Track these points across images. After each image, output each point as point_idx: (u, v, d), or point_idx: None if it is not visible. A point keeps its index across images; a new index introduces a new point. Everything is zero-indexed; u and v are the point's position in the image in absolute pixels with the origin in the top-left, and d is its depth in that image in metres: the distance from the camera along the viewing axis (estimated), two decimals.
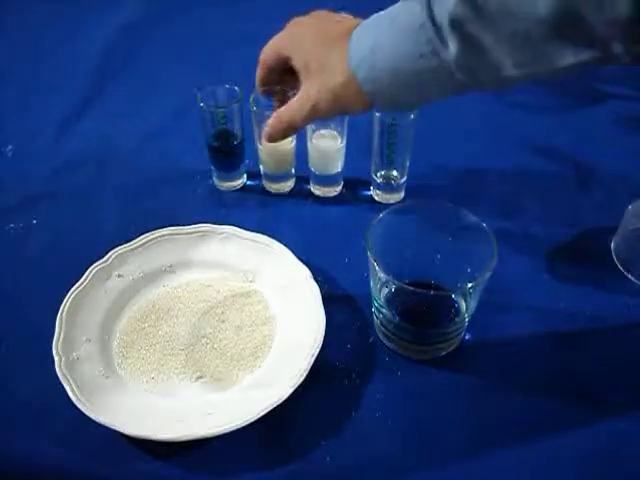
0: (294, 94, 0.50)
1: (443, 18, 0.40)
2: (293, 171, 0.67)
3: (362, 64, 0.44)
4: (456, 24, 0.39)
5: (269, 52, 0.52)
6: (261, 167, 0.66)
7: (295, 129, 0.50)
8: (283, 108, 0.50)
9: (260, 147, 0.63)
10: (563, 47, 0.38)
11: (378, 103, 0.46)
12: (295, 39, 0.50)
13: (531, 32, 0.38)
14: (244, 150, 0.66)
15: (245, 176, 0.68)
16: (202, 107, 0.61)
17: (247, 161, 0.67)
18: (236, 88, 0.62)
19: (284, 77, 0.53)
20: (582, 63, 0.38)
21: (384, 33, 0.43)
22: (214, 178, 0.68)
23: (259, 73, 0.54)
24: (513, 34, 0.38)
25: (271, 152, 0.63)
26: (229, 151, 0.65)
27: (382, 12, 0.45)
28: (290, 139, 0.63)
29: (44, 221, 0.64)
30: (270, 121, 0.50)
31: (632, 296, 0.56)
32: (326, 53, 0.46)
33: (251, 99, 0.58)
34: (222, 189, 0.68)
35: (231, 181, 0.67)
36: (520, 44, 0.39)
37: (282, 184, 0.67)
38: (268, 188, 0.67)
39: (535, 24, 0.37)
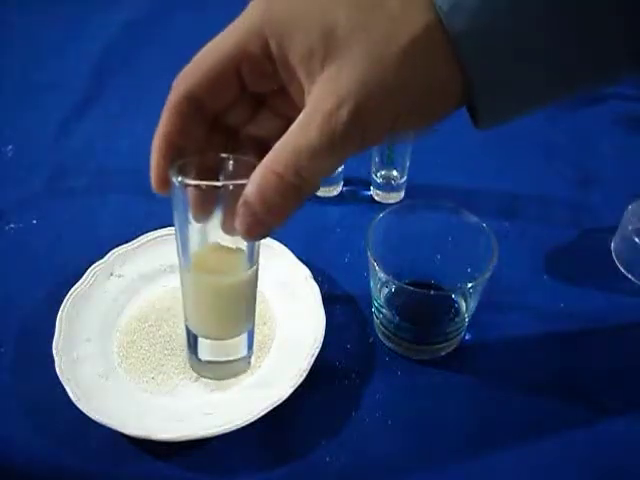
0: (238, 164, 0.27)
1: None
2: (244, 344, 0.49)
3: (461, 5, 0.23)
4: None
5: (210, 63, 0.28)
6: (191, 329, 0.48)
7: (315, 175, 0.25)
8: (282, 141, 0.25)
9: (186, 277, 0.39)
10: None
11: (483, 84, 0.26)
12: (280, 5, 0.25)
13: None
14: None
15: None
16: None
17: None
18: None
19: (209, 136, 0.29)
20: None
21: None
22: None
23: (167, 124, 0.30)
24: None
25: (209, 287, 0.39)
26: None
27: None
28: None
29: (44, 221, 0.64)
30: (248, 189, 0.25)
31: (632, 296, 0.56)
32: (366, 11, 0.24)
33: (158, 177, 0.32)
34: None
35: None
36: None
37: (232, 367, 0.51)
38: (206, 374, 0.50)
39: None
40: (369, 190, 0.67)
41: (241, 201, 0.25)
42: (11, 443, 0.46)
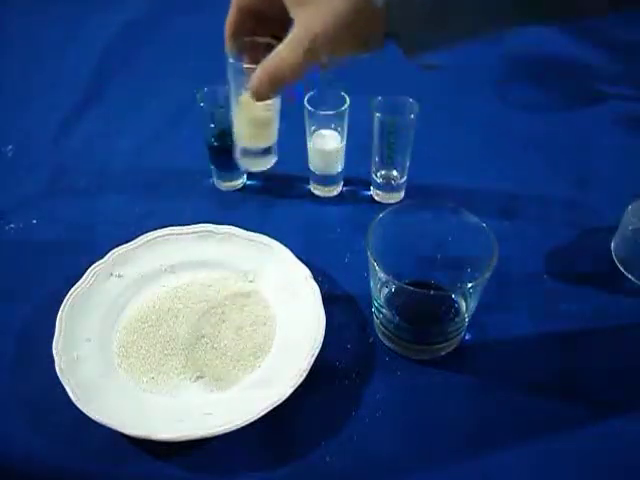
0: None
1: None
2: (273, 145, 0.52)
3: None
4: None
5: None
6: (237, 144, 0.52)
7: (286, 80, 0.39)
8: (269, 56, 0.39)
9: (237, 111, 0.50)
10: None
11: (400, 28, 0.37)
12: None
13: None
14: None
15: (245, 176, 0.68)
16: (202, 107, 0.61)
17: None
18: None
19: (264, 26, 0.42)
20: None
21: None
22: (214, 178, 0.68)
23: (230, 18, 0.42)
24: None
25: (250, 117, 0.50)
26: (229, 151, 0.65)
27: None
28: (270, 103, 0.49)
29: (44, 221, 0.64)
30: (255, 73, 0.40)
31: (632, 296, 0.56)
32: None
33: (227, 47, 0.45)
34: (222, 189, 0.68)
35: (231, 181, 0.67)
36: None
37: (262, 160, 0.52)
38: (246, 165, 0.54)
39: None
40: (369, 190, 0.67)
41: (253, 74, 0.40)
42: (11, 443, 0.46)
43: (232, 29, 0.42)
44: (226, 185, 0.68)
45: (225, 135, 0.63)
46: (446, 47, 0.40)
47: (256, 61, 0.40)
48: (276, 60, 0.38)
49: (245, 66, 0.42)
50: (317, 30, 0.36)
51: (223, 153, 0.65)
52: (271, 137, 0.52)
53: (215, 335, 0.53)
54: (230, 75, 0.45)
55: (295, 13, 0.37)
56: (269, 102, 0.47)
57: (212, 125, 0.62)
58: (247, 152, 0.53)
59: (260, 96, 0.41)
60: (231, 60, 0.44)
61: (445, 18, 0.36)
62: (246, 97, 0.46)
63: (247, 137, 0.52)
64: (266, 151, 0.52)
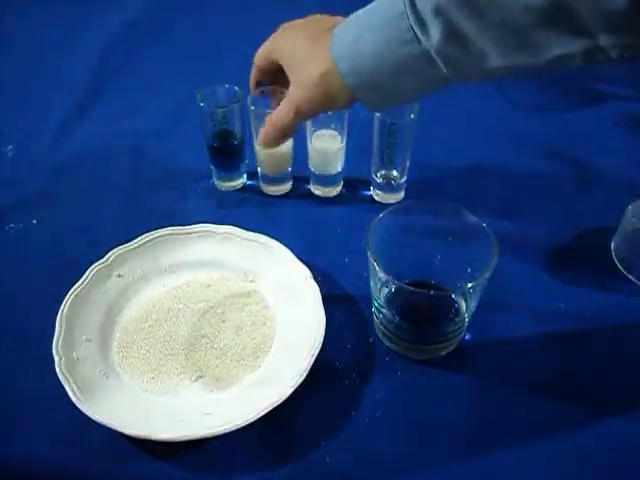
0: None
1: (425, 5, 0.39)
2: (290, 170, 0.66)
3: (344, 54, 0.44)
4: (439, 11, 0.38)
5: (261, 55, 0.53)
6: (259, 169, 0.66)
7: (288, 133, 0.51)
8: (274, 113, 0.50)
9: (258, 147, 0.63)
10: (550, 37, 0.37)
11: (360, 96, 0.46)
12: (283, 41, 0.50)
13: (519, 20, 0.37)
14: (244, 150, 0.66)
15: (245, 176, 0.68)
16: (202, 107, 0.61)
17: (247, 161, 0.68)
18: (236, 88, 0.62)
19: (279, 78, 0.54)
20: (569, 55, 0.38)
21: (367, 23, 0.43)
22: (214, 178, 0.68)
23: (252, 75, 0.56)
24: (500, 22, 0.37)
25: (268, 152, 0.63)
26: (229, 151, 0.65)
27: (366, 7, 0.44)
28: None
29: (44, 221, 0.64)
30: (264, 127, 0.52)
31: (632, 296, 0.56)
32: (310, 49, 0.47)
33: (249, 98, 0.59)
34: (222, 189, 0.68)
35: (231, 181, 0.67)
36: (507, 33, 0.38)
37: (280, 186, 0.67)
38: (266, 191, 0.67)
39: (523, 12, 0.36)
40: (369, 190, 0.67)
41: (262, 128, 0.53)
42: (11, 443, 0.46)
43: (253, 82, 0.57)
44: (226, 185, 0.68)
45: (225, 135, 0.63)
46: (399, 105, 0.54)
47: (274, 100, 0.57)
48: (277, 117, 0.50)
49: (267, 111, 0.56)
50: (300, 93, 0.47)
51: (223, 153, 0.65)
52: (285, 167, 0.66)
53: (215, 335, 0.53)
54: (252, 120, 0.60)
55: (289, 77, 0.49)
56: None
57: (212, 125, 0.62)
58: (266, 178, 0.66)
59: (268, 144, 0.52)
60: (252, 108, 0.59)
61: (388, 91, 0.45)
62: None
63: (266, 166, 0.65)
64: (282, 178, 0.66)
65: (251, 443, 0.46)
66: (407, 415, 0.48)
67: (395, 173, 0.64)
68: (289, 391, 0.46)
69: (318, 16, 0.52)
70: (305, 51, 0.47)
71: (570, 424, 0.47)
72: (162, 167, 0.71)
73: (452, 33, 0.39)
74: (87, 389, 0.47)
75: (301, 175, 0.67)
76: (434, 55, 0.41)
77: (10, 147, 0.74)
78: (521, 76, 0.82)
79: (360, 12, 0.45)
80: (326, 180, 0.66)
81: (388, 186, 0.65)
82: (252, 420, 0.44)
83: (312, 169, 0.66)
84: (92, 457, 0.46)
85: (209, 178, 0.68)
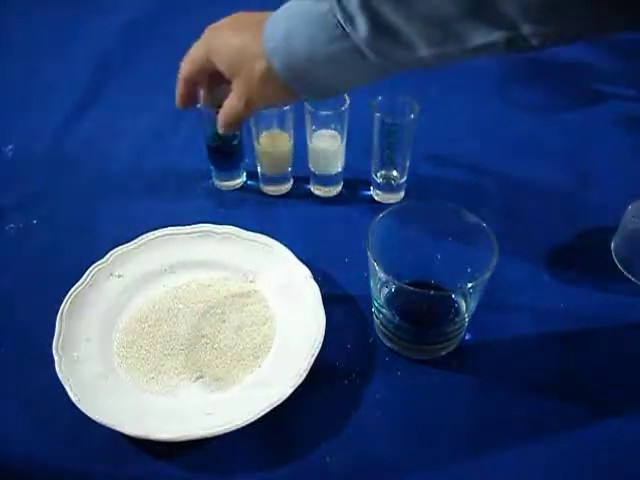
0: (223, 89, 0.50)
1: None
2: (290, 170, 0.66)
3: (276, 54, 0.44)
4: (366, 5, 0.39)
5: (189, 67, 0.51)
6: (259, 169, 0.66)
7: (236, 125, 0.51)
8: (222, 110, 0.50)
9: (258, 147, 0.64)
10: (474, 27, 0.38)
11: (300, 91, 0.46)
12: (213, 43, 0.49)
13: (443, 11, 0.38)
14: (243, 149, 0.66)
15: (245, 175, 0.68)
16: (200, 106, 0.61)
17: (247, 160, 0.67)
18: None
19: (214, 79, 0.52)
20: (492, 44, 0.39)
21: (295, 21, 0.43)
22: (214, 178, 0.68)
23: (180, 91, 0.53)
24: (426, 14, 0.38)
25: (269, 152, 0.64)
26: (228, 150, 0.65)
27: (292, 1, 0.44)
28: (287, 139, 0.63)
29: (44, 221, 0.64)
30: (217, 119, 0.51)
31: (632, 296, 0.56)
32: (242, 46, 0.46)
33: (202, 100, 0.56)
34: (222, 188, 0.68)
35: (230, 180, 0.67)
36: (432, 24, 0.39)
37: (280, 186, 0.67)
38: (266, 191, 0.67)
39: (448, 3, 0.37)
40: (369, 190, 0.67)
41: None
42: (11, 443, 0.47)
43: (181, 98, 0.54)
44: (226, 185, 0.68)
45: (224, 134, 0.63)
46: (342, 93, 0.57)
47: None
48: (226, 112, 0.50)
49: (211, 110, 0.56)
50: (246, 89, 0.47)
51: (222, 153, 0.65)
52: (285, 167, 0.66)
53: (215, 335, 0.53)
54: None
55: (231, 78, 0.48)
56: (285, 141, 0.63)
57: (210, 125, 0.62)
58: (266, 178, 0.67)
59: (225, 132, 0.52)
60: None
61: (326, 83, 0.46)
62: (265, 137, 0.63)
63: (266, 166, 0.65)
64: (282, 178, 0.67)
65: (251, 443, 0.46)
66: (407, 415, 0.48)
67: (395, 173, 0.64)
68: (289, 391, 0.46)
69: (241, 12, 0.50)
70: (241, 50, 0.46)
71: (570, 424, 0.47)
72: (162, 167, 0.71)
73: (380, 26, 0.40)
74: (87, 389, 0.47)
75: (301, 175, 0.67)
76: (364, 49, 0.41)
77: (10, 147, 0.74)
78: (535, 81, 0.81)
79: (287, 7, 0.44)
80: (326, 180, 0.66)
81: (388, 186, 0.65)
82: (252, 420, 0.44)
83: (312, 169, 0.66)
84: (92, 457, 0.46)
85: (209, 178, 0.68)
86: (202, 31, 0.52)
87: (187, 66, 0.52)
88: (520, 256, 0.59)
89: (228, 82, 0.49)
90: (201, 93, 0.55)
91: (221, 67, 0.48)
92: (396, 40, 0.40)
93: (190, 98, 0.54)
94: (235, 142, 0.64)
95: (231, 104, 0.49)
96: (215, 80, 0.51)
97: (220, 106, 0.51)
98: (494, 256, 0.45)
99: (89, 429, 0.45)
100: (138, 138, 0.75)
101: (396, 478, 0.45)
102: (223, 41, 0.48)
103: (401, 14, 0.39)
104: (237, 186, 0.68)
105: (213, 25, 0.51)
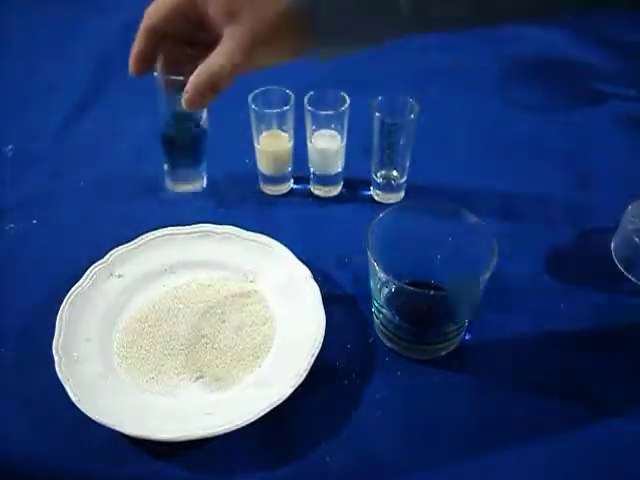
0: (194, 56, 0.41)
1: None
2: (290, 170, 0.66)
3: None
4: None
5: (161, 7, 0.42)
6: (259, 169, 0.66)
7: (220, 87, 0.41)
8: (198, 72, 0.40)
9: (258, 147, 0.63)
10: None
11: (316, 41, 0.41)
12: None
13: None
14: (207, 140, 0.53)
15: (205, 179, 0.55)
16: (157, 76, 0.47)
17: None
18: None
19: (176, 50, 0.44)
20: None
21: None
22: (166, 179, 0.56)
23: (138, 46, 0.44)
24: None
25: (269, 152, 0.63)
26: (187, 140, 0.54)
27: None
28: (287, 139, 0.63)
29: (44, 221, 0.64)
30: (189, 81, 0.41)
31: (632, 296, 0.56)
32: None
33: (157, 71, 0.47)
34: (175, 191, 0.56)
35: (187, 183, 0.56)
36: None
37: (280, 186, 0.67)
38: (266, 191, 0.67)
39: None
40: (369, 190, 0.67)
41: (185, 90, 0.42)
42: (11, 443, 0.46)
43: (139, 56, 0.45)
44: (183, 188, 0.55)
45: (186, 116, 0.51)
46: (361, 48, 0.45)
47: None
48: (209, 67, 0.40)
49: (173, 78, 0.44)
50: (246, 42, 0.39)
51: (180, 144, 0.54)
52: (285, 167, 0.64)
53: (215, 335, 0.53)
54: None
55: (226, 27, 0.40)
56: (285, 141, 0.61)
57: (168, 103, 0.49)
58: (266, 178, 0.65)
59: (195, 104, 0.42)
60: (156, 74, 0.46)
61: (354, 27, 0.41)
62: (265, 137, 0.60)
63: (266, 166, 0.64)
64: (282, 177, 0.65)
65: (251, 443, 0.46)
66: (407, 415, 0.48)
67: (395, 173, 0.64)
68: (289, 391, 0.46)
69: None
70: None
71: (570, 424, 0.47)
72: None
73: None
74: (87, 389, 0.47)
75: (301, 175, 0.67)
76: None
77: (10, 147, 0.74)
78: (537, 80, 0.82)
79: None
80: (326, 180, 0.66)
81: (388, 186, 0.65)
82: (252, 420, 0.44)
83: (312, 169, 0.66)
84: (92, 457, 0.46)
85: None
86: None
87: (157, 7, 0.42)
88: (520, 256, 0.59)
89: (192, 56, 0.41)
90: (159, 60, 0.45)
91: (214, 6, 0.40)
92: None
93: (150, 59, 0.44)
94: (199, 127, 0.51)
95: (218, 61, 0.40)
96: (180, 46, 0.43)
97: (182, 86, 0.41)
98: (494, 256, 0.45)
99: (89, 429, 0.45)
100: (138, 138, 0.75)
101: (396, 478, 0.45)
102: None
103: None
104: (195, 191, 0.55)
105: None
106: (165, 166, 0.55)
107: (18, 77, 0.87)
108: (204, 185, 0.56)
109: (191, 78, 0.41)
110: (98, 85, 0.84)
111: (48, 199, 0.67)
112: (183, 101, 0.42)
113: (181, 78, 0.42)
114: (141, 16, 0.45)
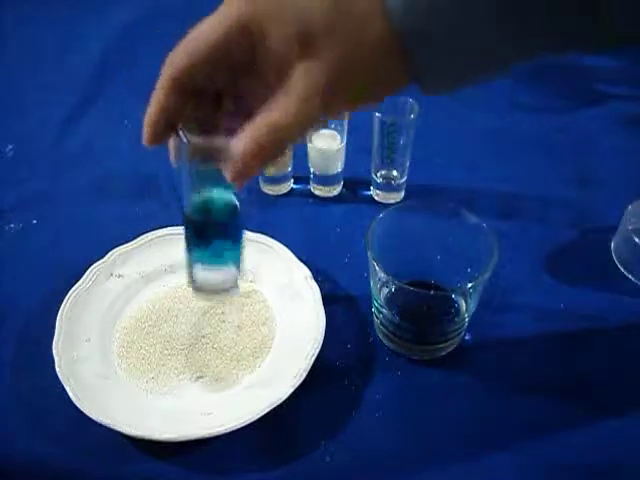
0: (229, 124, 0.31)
1: None
2: (290, 170, 0.66)
3: (410, 3, 0.27)
4: None
5: (202, 48, 0.31)
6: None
7: (286, 145, 0.31)
8: (261, 115, 0.30)
9: None
10: None
11: (427, 73, 0.30)
12: (268, 4, 0.29)
13: None
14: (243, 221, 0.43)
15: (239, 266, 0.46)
16: (178, 139, 0.36)
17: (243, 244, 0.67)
18: None
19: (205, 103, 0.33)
20: None
21: None
22: (192, 269, 0.45)
23: (160, 102, 0.33)
24: None
25: None
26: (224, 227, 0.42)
27: None
28: None
29: (44, 221, 0.64)
30: (241, 140, 0.30)
31: (632, 296, 0.56)
32: (338, 13, 0.28)
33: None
34: (202, 290, 0.45)
35: (216, 272, 0.44)
36: None
37: (280, 186, 0.67)
38: (266, 191, 0.67)
39: None
40: (369, 190, 0.67)
41: (228, 160, 0.31)
42: (11, 443, 0.46)
43: (159, 114, 0.33)
44: (210, 285, 0.44)
45: (226, 195, 0.40)
46: (470, 80, 0.35)
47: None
48: (281, 117, 0.29)
49: (211, 142, 0.33)
50: (327, 81, 0.28)
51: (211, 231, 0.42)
52: (285, 167, 0.63)
53: (215, 335, 0.53)
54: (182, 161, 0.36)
55: (295, 62, 0.29)
56: None
57: (197, 178, 0.39)
58: (266, 178, 0.63)
59: (247, 172, 0.31)
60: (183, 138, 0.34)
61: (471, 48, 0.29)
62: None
63: (266, 168, 0.60)
64: (282, 178, 0.63)
65: (251, 443, 0.46)
66: (407, 415, 0.48)
67: (395, 173, 0.64)
68: (289, 391, 0.46)
69: None
70: (337, 3, 0.28)
71: (570, 424, 0.47)
72: (162, 167, 0.71)
73: None
74: (87, 389, 0.47)
75: (301, 175, 0.67)
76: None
77: (10, 147, 0.74)
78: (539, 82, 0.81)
79: None
80: (326, 180, 0.66)
81: (388, 186, 0.65)
82: (252, 420, 0.44)
83: (312, 169, 0.65)
84: (92, 457, 0.46)
85: None
86: None
87: (190, 46, 0.31)
88: (520, 256, 0.59)
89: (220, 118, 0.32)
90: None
91: (279, 34, 0.29)
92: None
93: (174, 122, 0.34)
94: (240, 208, 0.40)
95: (286, 107, 0.29)
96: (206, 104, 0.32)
97: (208, 157, 0.31)
98: (494, 256, 0.45)
99: (89, 429, 0.45)
100: (138, 138, 0.75)
101: (396, 478, 0.45)
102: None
103: None
104: (233, 294, 0.45)
105: None
106: (188, 258, 0.42)
107: (18, 77, 0.87)
108: (239, 283, 0.44)
109: (245, 134, 0.30)
110: (98, 85, 0.84)
111: (48, 199, 0.67)
112: (229, 171, 0.31)
113: (224, 141, 0.31)
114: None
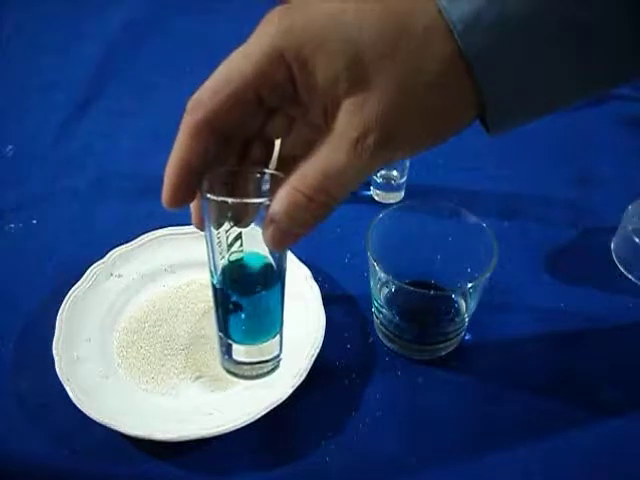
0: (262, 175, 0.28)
1: None
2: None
3: (482, 20, 0.23)
4: None
5: (233, 86, 0.26)
6: None
7: (344, 195, 0.26)
8: (309, 162, 0.26)
9: None
10: None
11: (496, 102, 0.27)
12: (305, 19, 0.25)
13: None
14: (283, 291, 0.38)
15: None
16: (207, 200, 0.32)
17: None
18: None
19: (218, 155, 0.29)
20: None
21: None
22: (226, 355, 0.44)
23: (183, 154, 0.30)
24: None
25: None
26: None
27: None
28: None
29: (44, 221, 0.64)
30: (292, 190, 0.26)
31: (632, 296, 0.56)
32: (395, 15, 0.24)
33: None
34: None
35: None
36: None
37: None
38: None
39: None
40: (369, 190, 0.67)
41: (268, 218, 0.26)
42: (11, 443, 0.46)
43: (190, 170, 0.29)
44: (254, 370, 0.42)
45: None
46: (538, 114, 0.33)
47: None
48: (333, 164, 0.24)
49: (245, 201, 0.28)
50: (392, 110, 0.24)
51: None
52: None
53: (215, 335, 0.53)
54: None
55: (344, 98, 0.25)
56: None
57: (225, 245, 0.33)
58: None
59: (293, 232, 0.27)
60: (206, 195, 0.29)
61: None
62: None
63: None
64: None
65: (251, 443, 0.46)
66: (407, 415, 0.48)
67: (395, 173, 0.64)
68: (289, 391, 0.46)
69: None
70: (397, 23, 0.24)
71: (570, 424, 0.47)
72: (162, 167, 0.70)
73: None
74: (87, 389, 0.47)
75: None
76: None
77: (10, 147, 0.74)
78: None
79: None
80: None
81: (388, 186, 0.65)
82: (252, 420, 0.44)
83: None
84: (92, 457, 0.46)
85: None
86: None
87: (218, 85, 0.27)
88: (520, 256, 0.59)
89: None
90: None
91: (323, 72, 0.25)
92: None
93: (198, 175, 0.30)
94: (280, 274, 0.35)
95: (339, 151, 0.25)
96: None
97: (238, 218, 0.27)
98: (494, 256, 0.45)
99: (89, 429, 0.45)
100: (138, 138, 0.75)
101: (396, 478, 0.45)
102: (339, 29, 0.24)
103: None
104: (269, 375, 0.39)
105: (287, 7, 0.26)
106: (220, 339, 0.38)
107: (18, 77, 0.87)
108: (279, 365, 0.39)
109: (288, 187, 0.25)
110: (98, 85, 0.84)
111: (48, 199, 0.67)
112: (269, 235, 0.27)
113: (263, 200, 0.27)
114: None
